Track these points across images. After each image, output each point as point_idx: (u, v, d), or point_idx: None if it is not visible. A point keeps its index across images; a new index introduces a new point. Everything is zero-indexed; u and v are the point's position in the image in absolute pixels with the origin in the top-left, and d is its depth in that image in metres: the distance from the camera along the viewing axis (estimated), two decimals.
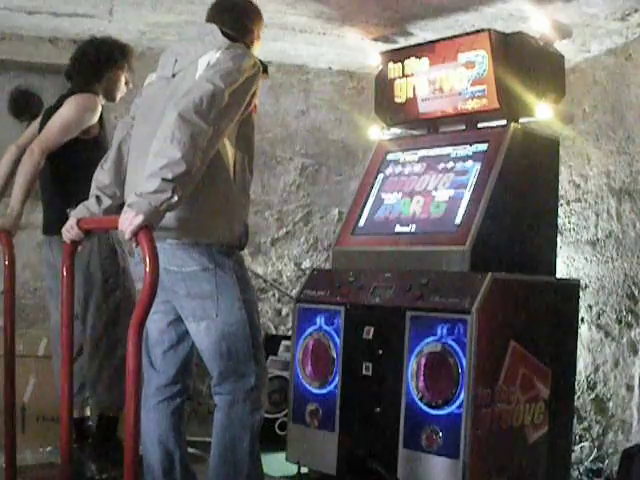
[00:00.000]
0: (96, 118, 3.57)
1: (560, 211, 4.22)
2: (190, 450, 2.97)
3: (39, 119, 3.80)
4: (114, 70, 3.66)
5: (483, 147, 3.52)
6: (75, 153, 3.50)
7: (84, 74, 3.63)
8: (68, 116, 3.52)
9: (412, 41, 4.25)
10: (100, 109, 3.59)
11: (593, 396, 4.35)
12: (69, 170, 3.52)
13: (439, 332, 3.16)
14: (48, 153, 3.48)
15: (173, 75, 2.72)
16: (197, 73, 2.60)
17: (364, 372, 3.41)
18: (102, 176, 2.86)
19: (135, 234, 2.33)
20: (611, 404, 4.22)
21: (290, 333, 4.00)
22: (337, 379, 3.52)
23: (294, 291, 4.84)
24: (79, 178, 3.07)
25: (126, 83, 3.73)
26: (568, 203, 4.63)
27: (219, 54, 2.60)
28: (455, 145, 3.65)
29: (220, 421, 2.73)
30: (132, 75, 3.74)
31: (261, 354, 2.77)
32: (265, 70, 2.70)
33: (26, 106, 4.90)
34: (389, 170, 3.86)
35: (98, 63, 3.62)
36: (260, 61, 2.68)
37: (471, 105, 3.56)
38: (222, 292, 2.66)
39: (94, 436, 3.66)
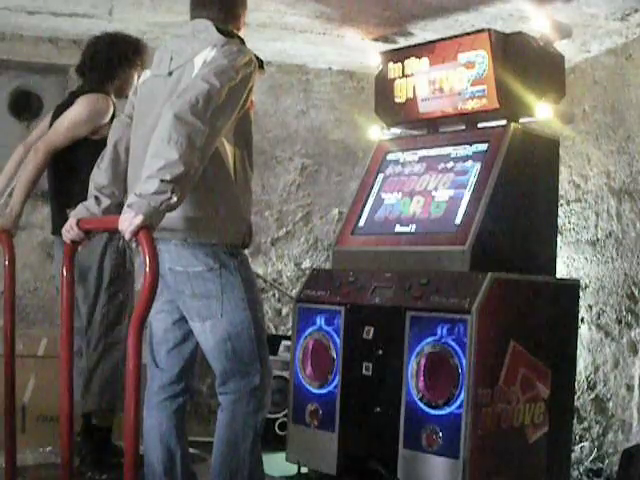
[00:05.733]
0: (107, 119, 3.52)
1: (560, 211, 4.22)
2: (190, 450, 2.96)
3: (49, 116, 3.77)
4: (127, 69, 3.62)
5: (483, 147, 3.52)
6: (84, 153, 3.47)
7: (97, 73, 3.59)
8: (77, 116, 3.50)
9: (412, 41, 4.25)
10: (112, 110, 3.55)
11: (593, 396, 4.35)
12: (78, 169, 3.49)
13: (439, 332, 3.16)
14: (55, 153, 3.47)
15: (170, 73, 2.70)
16: (194, 72, 2.59)
17: (364, 372, 3.41)
18: (99, 176, 2.86)
19: (135, 234, 2.33)
20: (611, 404, 4.22)
21: (290, 333, 4.00)
22: (337, 379, 3.52)
23: (294, 291, 4.84)
24: (88, 178, 3.05)
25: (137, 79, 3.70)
26: (568, 203, 4.63)
27: (214, 52, 2.59)
28: (455, 145, 3.65)
29: (223, 420, 2.73)
30: (143, 71, 3.70)
31: (266, 354, 2.77)
32: (261, 66, 2.69)
33: (26, 106, 4.91)
34: (389, 170, 3.86)
35: (112, 62, 3.58)
36: (256, 56, 2.67)
37: (471, 105, 3.56)
38: (227, 292, 2.66)
39: (90, 445, 3.64)
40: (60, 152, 3.50)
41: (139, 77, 3.60)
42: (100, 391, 3.53)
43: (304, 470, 3.63)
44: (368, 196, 3.82)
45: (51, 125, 3.61)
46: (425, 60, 3.71)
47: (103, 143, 3.05)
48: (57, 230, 3.58)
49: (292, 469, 3.65)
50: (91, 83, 3.60)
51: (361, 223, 3.77)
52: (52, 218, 3.74)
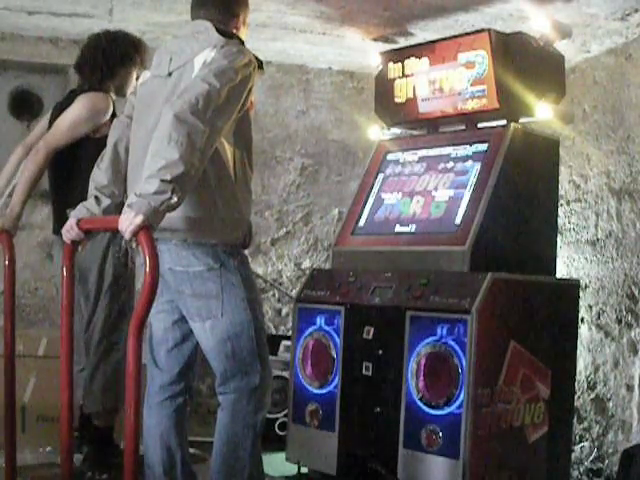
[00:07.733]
0: (107, 117, 3.51)
1: (560, 211, 4.22)
2: (190, 450, 2.96)
3: (47, 116, 3.77)
4: (128, 67, 3.61)
5: (483, 147, 3.52)
6: (85, 151, 3.46)
7: (98, 71, 3.57)
8: (78, 115, 3.48)
9: (412, 41, 4.25)
10: (112, 108, 3.55)
11: (593, 396, 4.35)
12: (79, 168, 3.49)
13: (439, 332, 3.16)
14: (56, 151, 3.47)
15: (169, 74, 2.71)
16: (193, 73, 2.59)
17: (364, 372, 3.41)
18: (99, 176, 2.86)
19: (135, 234, 2.33)
20: (611, 404, 4.22)
21: (290, 333, 4.00)
22: (337, 379, 3.52)
23: (294, 291, 4.84)
24: (89, 176, 3.05)
25: (137, 78, 3.69)
26: (568, 203, 4.63)
27: (214, 52, 2.59)
28: (455, 145, 3.65)
29: (223, 420, 2.73)
30: (142, 69, 3.71)
31: (266, 354, 2.77)
32: (260, 66, 2.70)
33: (26, 106, 4.91)
34: (389, 170, 3.86)
35: (113, 61, 3.57)
36: (255, 57, 2.67)
37: (471, 105, 3.56)
38: (227, 292, 2.66)
39: (92, 445, 3.64)
40: (61, 151, 3.49)
41: (138, 76, 3.61)
42: (102, 392, 3.53)
43: (304, 470, 3.63)
44: (368, 196, 3.82)
45: (50, 124, 3.61)
46: (425, 60, 3.71)
47: (104, 141, 3.04)
48: (57, 230, 3.58)
49: (292, 469, 3.65)
50: (92, 82, 3.59)
51: (361, 223, 3.77)
52: (53, 218, 3.74)
